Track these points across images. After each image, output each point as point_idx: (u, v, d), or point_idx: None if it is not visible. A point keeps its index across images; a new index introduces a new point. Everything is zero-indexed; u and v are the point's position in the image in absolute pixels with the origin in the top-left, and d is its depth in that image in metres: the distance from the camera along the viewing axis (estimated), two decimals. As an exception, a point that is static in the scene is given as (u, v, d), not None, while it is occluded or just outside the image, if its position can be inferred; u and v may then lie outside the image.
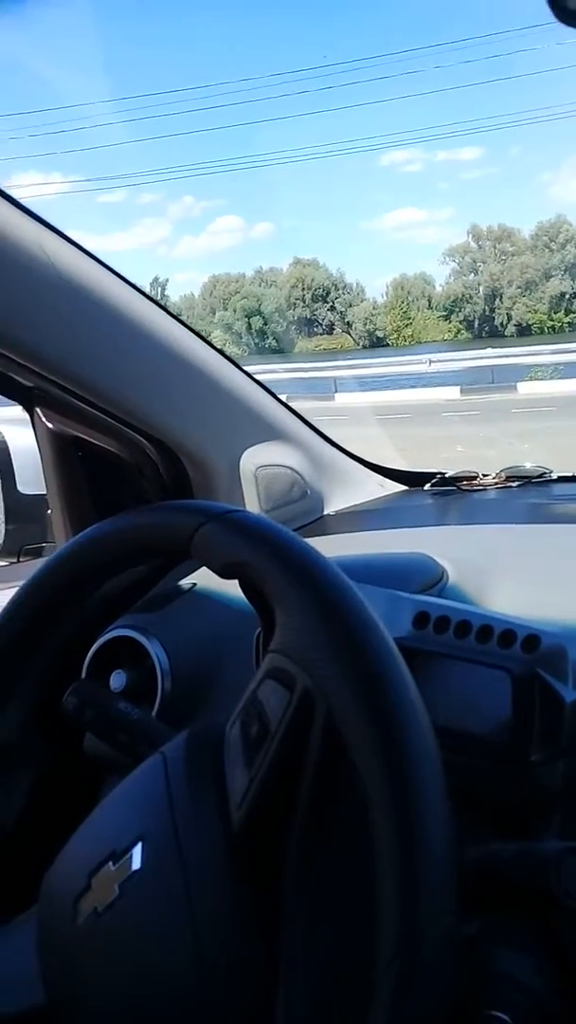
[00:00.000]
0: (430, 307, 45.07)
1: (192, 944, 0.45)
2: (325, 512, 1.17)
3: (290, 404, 1.17)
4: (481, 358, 14.23)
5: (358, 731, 0.42)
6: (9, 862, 0.67)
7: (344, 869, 0.45)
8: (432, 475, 1.28)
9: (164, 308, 0.97)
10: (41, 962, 0.52)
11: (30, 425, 1.03)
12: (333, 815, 0.46)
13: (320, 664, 0.45)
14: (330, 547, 0.56)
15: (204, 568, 0.55)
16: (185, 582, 0.94)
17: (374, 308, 46.42)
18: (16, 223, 0.79)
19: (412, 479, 1.31)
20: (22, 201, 0.80)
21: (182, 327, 0.97)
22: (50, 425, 0.99)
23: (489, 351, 14.74)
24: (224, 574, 0.53)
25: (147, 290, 0.97)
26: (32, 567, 1.08)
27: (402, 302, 45.39)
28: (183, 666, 0.82)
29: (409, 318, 44.96)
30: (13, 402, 1.00)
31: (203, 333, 1.03)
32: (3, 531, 1.10)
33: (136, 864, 0.48)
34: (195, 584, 0.93)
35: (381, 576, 0.73)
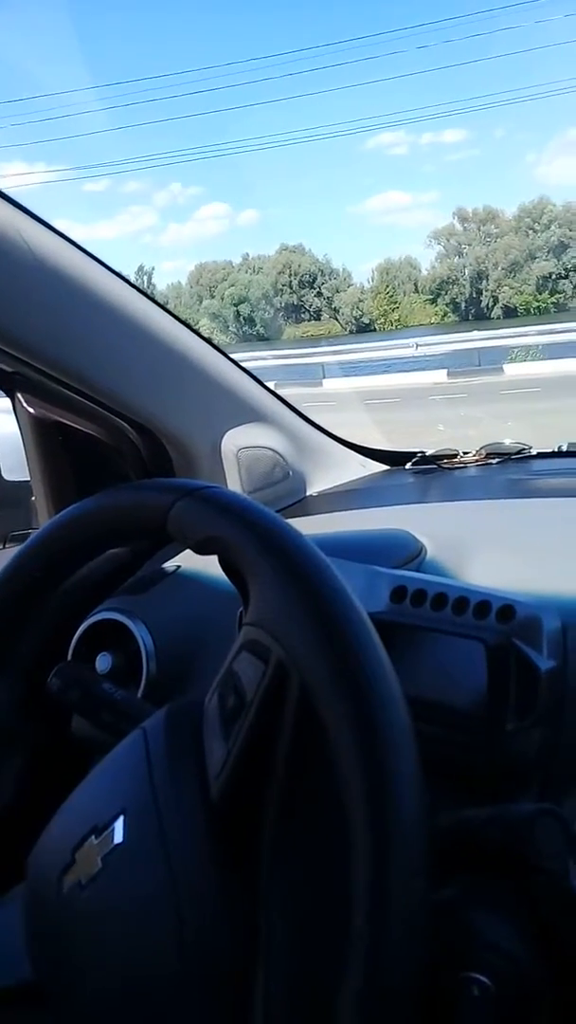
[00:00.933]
0: (416, 291, 45.01)
1: (174, 914, 0.46)
2: (308, 493, 1.17)
3: (278, 391, 1.18)
4: (467, 341, 14.23)
5: (329, 701, 0.43)
6: (2, 843, 0.67)
7: (321, 838, 0.46)
8: (413, 454, 1.29)
9: (144, 293, 0.97)
10: (28, 938, 0.53)
11: (12, 413, 1.04)
12: (309, 784, 0.46)
13: (292, 635, 0.45)
14: (312, 526, 0.57)
15: (188, 551, 0.56)
16: (169, 565, 0.95)
17: (361, 293, 46.32)
18: None
19: (394, 459, 1.32)
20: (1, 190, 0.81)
21: (161, 310, 0.98)
22: (31, 410, 0.99)
23: (475, 334, 14.74)
24: (199, 550, 0.54)
25: (133, 279, 0.97)
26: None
27: (388, 286, 45.32)
28: (168, 647, 0.83)
29: (396, 302, 44.89)
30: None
31: (191, 321, 1.03)
32: (-12, 518, 1.10)
33: (118, 837, 0.49)
34: (179, 567, 0.94)
35: (360, 552, 0.74)
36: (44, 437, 1.01)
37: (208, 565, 0.55)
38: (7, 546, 1.12)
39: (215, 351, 1.05)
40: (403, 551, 0.80)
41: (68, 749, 0.79)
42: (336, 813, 0.42)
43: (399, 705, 0.43)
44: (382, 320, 44.04)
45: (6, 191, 0.81)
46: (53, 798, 0.61)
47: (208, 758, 0.49)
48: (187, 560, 0.94)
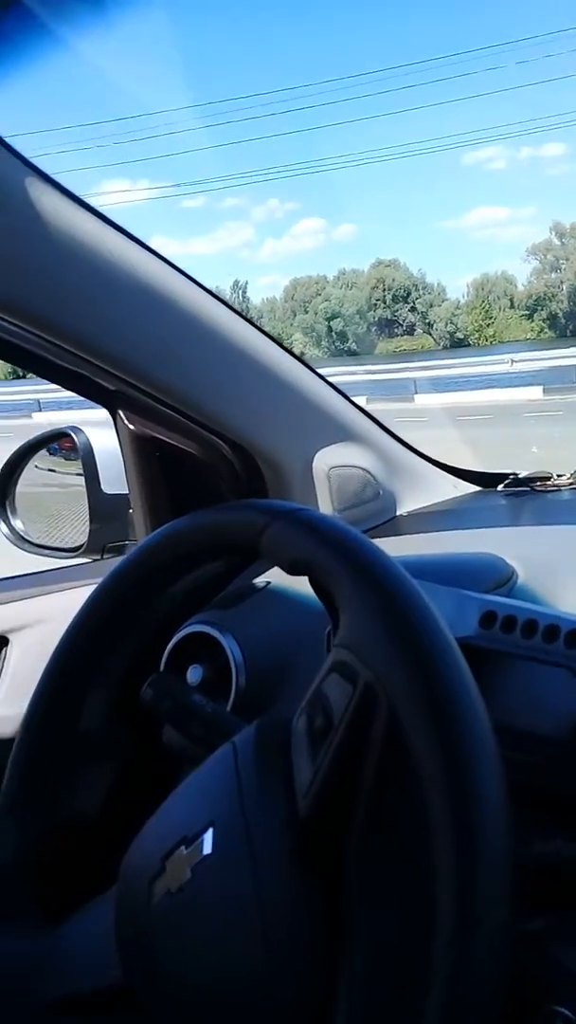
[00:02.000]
0: (512, 306, 44.24)
1: (259, 926, 0.47)
2: (397, 513, 1.17)
3: (368, 407, 1.18)
4: (564, 357, 13.89)
5: (416, 726, 0.43)
6: (91, 848, 0.70)
7: (405, 858, 0.46)
8: (505, 476, 1.27)
9: (240, 313, 0.99)
10: (118, 941, 0.54)
11: (112, 427, 1.08)
12: (394, 806, 0.47)
13: (380, 659, 0.46)
14: (401, 547, 0.57)
15: (277, 568, 0.57)
16: (260, 580, 0.96)
17: (456, 308, 45.82)
18: (101, 235, 0.82)
19: (485, 480, 1.30)
20: (109, 209, 0.84)
21: (256, 331, 1.00)
22: (131, 427, 1.03)
23: (573, 350, 14.37)
24: (292, 571, 0.55)
25: (228, 294, 1.00)
26: (112, 564, 1.12)
27: (483, 301, 44.70)
28: (257, 662, 0.84)
29: (491, 317, 44.23)
30: (97, 405, 1.05)
31: (284, 336, 1.05)
32: (88, 530, 1.14)
33: (207, 848, 0.50)
34: (269, 582, 0.95)
35: (449, 575, 0.73)
36: (143, 453, 1.04)
37: (297, 582, 0.56)
38: (104, 557, 1.16)
39: (307, 369, 1.07)
40: (493, 575, 0.80)
41: (157, 758, 0.81)
42: (421, 837, 0.42)
43: (486, 732, 0.44)
44: (476, 335, 43.47)
45: (104, 209, 0.84)
46: (141, 805, 0.63)
47: (296, 776, 0.50)
48: (276, 576, 0.95)
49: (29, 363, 0.96)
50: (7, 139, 0.73)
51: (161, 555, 0.64)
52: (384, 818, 0.47)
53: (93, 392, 1.00)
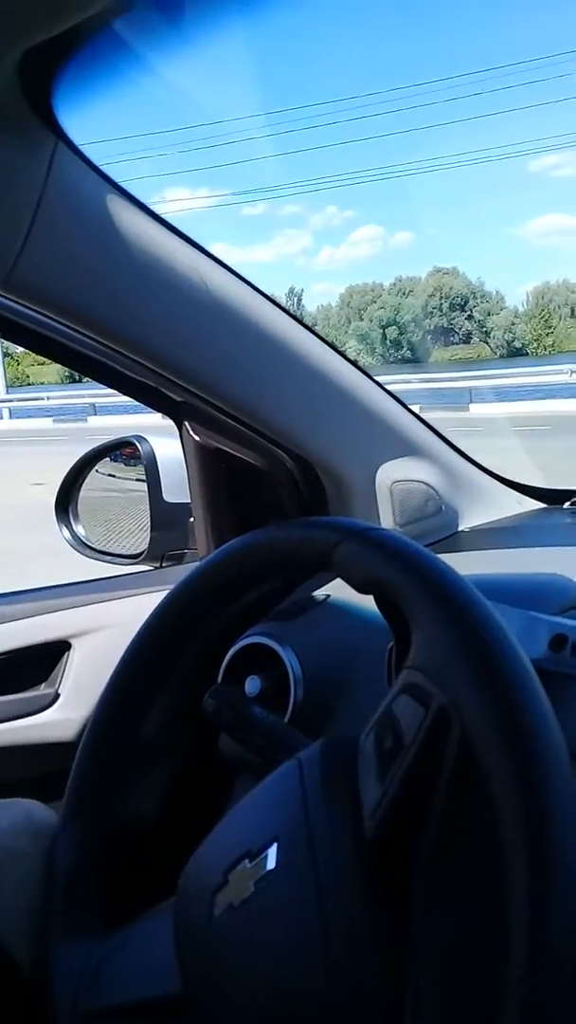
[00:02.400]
0: (573, 315, 43.55)
1: (322, 945, 0.47)
2: (460, 528, 1.16)
3: (424, 415, 1.18)
4: (627, 368, 13.63)
5: (491, 750, 0.43)
6: (148, 853, 0.70)
7: (474, 883, 0.45)
8: (572, 493, 1.25)
9: (303, 323, 0.99)
10: (178, 951, 0.54)
11: (173, 436, 1.09)
12: (464, 830, 0.46)
13: (456, 683, 0.45)
14: (464, 564, 0.57)
15: (336, 581, 0.57)
16: (319, 593, 0.96)
17: (515, 317, 45.33)
18: (172, 248, 0.83)
19: (551, 496, 1.28)
20: (171, 217, 0.85)
21: (321, 343, 1.00)
22: (196, 438, 1.04)
23: None
24: (362, 589, 0.55)
25: (283, 301, 1.00)
26: (173, 572, 1.14)
27: (543, 310, 44.13)
28: (314, 675, 0.84)
29: (551, 327, 43.65)
30: (155, 412, 1.06)
31: (338, 343, 1.05)
32: (149, 538, 1.15)
33: (271, 864, 0.50)
34: (328, 596, 0.95)
35: (517, 596, 0.72)
36: (206, 463, 1.05)
37: (356, 596, 0.56)
38: (164, 565, 1.17)
39: (370, 381, 1.06)
40: (562, 597, 0.78)
41: (212, 766, 0.81)
42: (492, 862, 0.41)
43: (562, 757, 0.43)
44: (535, 344, 42.91)
45: (167, 216, 0.85)
46: (196, 812, 0.63)
47: (363, 796, 0.49)
48: (336, 590, 0.95)
49: (98, 373, 0.98)
50: (82, 148, 0.75)
51: (232, 568, 0.65)
52: (453, 842, 0.47)
53: (160, 403, 1.01)
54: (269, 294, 0.96)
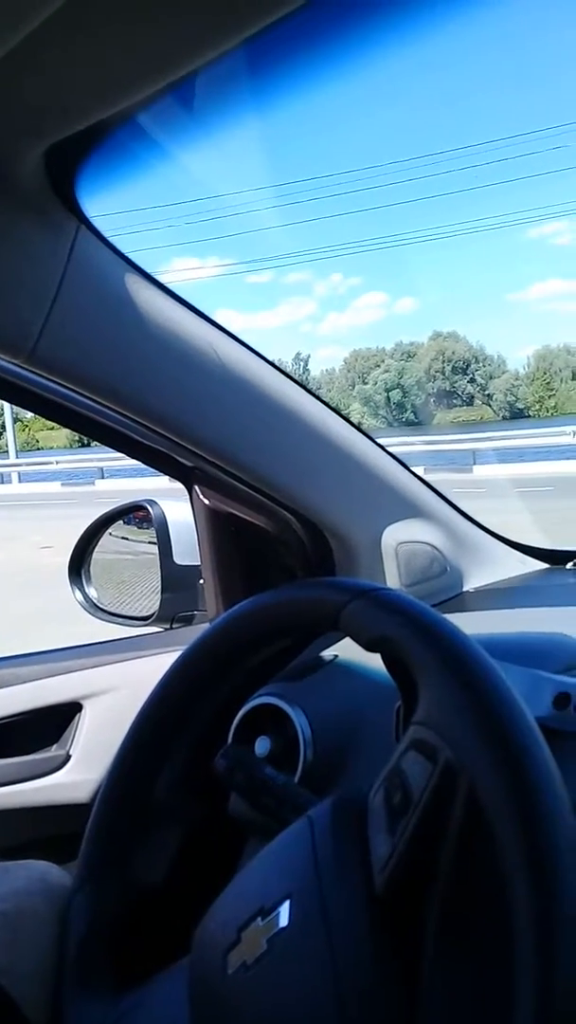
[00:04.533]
0: (574, 378, 44.03)
1: (335, 1001, 0.47)
2: (464, 589, 1.18)
3: (427, 477, 1.20)
4: (629, 430, 13.73)
5: (498, 807, 0.44)
6: (159, 915, 0.70)
7: (483, 935, 0.46)
8: (575, 554, 1.26)
9: (309, 390, 1.03)
10: (192, 1010, 0.54)
11: (183, 500, 1.12)
12: (473, 884, 0.47)
13: (463, 739, 0.47)
14: (469, 624, 0.58)
15: (344, 640, 0.59)
16: (327, 653, 0.97)
17: (516, 379, 45.85)
18: (181, 319, 0.87)
19: (554, 557, 1.30)
20: (179, 286, 0.89)
21: (327, 409, 1.03)
22: (206, 501, 1.06)
23: None
24: (370, 648, 0.56)
25: (289, 366, 1.03)
26: (183, 633, 1.15)
27: (545, 373, 44.63)
28: (324, 735, 0.85)
29: (552, 389, 44.09)
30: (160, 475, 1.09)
31: (343, 406, 1.08)
32: (159, 600, 1.17)
33: (283, 921, 0.50)
34: (336, 656, 0.96)
35: (521, 655, 0.74)
36: (216, 526, 1.08)
37: (364, 656, 0.57)
38: (174, 626, 1.18)
39: (374, 445, 1.09)
40: (566, 656, 0.80)
41: (223, 828, 0.82)
42: (500, 910, 0.42)
43: (566, 813, 0.44)
44: (537, 406, 43.31)
45: (174, 285, 0.89)
46: (209, 875, 0.64)
47: (373, 851, 0.50)
48: (343, 650, 0.96)
49: (110, 439, 1.01)
50: (96, 223, 0.79)
51: (241, 630, 0.66)
52: (462, 896, 0.47)
53: (171, 468, 1.04)
54: (276, 361, 1.00)
